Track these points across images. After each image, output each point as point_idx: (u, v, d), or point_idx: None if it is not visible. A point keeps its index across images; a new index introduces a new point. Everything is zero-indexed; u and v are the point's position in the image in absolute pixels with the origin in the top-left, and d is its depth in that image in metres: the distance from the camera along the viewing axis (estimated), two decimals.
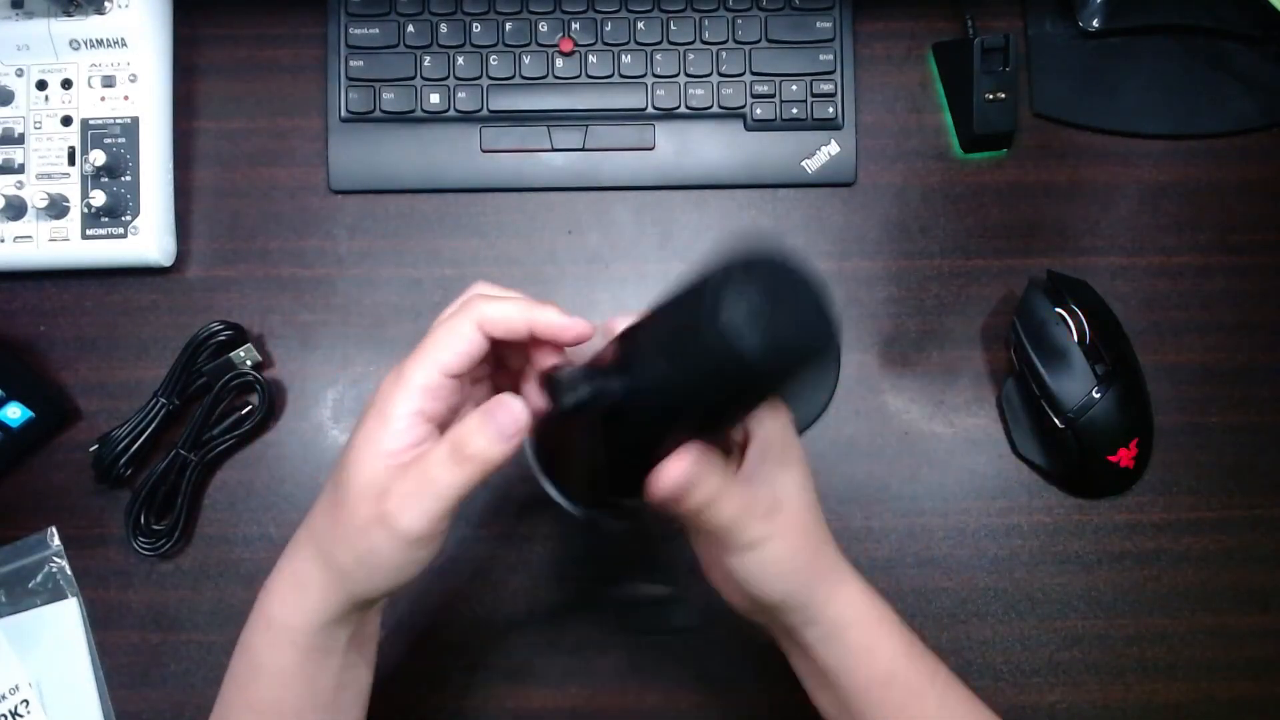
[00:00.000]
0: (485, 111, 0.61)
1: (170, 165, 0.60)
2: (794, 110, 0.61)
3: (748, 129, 0.61)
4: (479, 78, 0.61)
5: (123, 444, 0.57)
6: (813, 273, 0.33)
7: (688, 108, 0.61)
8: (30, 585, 0.57)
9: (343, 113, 0.61)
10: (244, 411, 0.58)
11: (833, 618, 0.40)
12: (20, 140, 0.58)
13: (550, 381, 0.37)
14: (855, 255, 0.61)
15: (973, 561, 0.59)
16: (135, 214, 0.58)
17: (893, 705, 0.40)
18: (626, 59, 0.61)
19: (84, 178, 0.58)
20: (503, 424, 0.36)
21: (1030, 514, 0.59)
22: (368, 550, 0.36)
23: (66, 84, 0.59)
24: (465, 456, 0.35)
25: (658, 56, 0.61)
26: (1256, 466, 0.59)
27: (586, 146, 0.61)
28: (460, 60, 0.61)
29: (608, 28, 0.61)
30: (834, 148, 0.61)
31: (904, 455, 0.59)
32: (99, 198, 0.57)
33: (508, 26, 0.61)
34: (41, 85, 0.59)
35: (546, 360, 0.39)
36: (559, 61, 0.61)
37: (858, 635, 0.40)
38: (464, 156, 0.61)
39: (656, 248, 0.61)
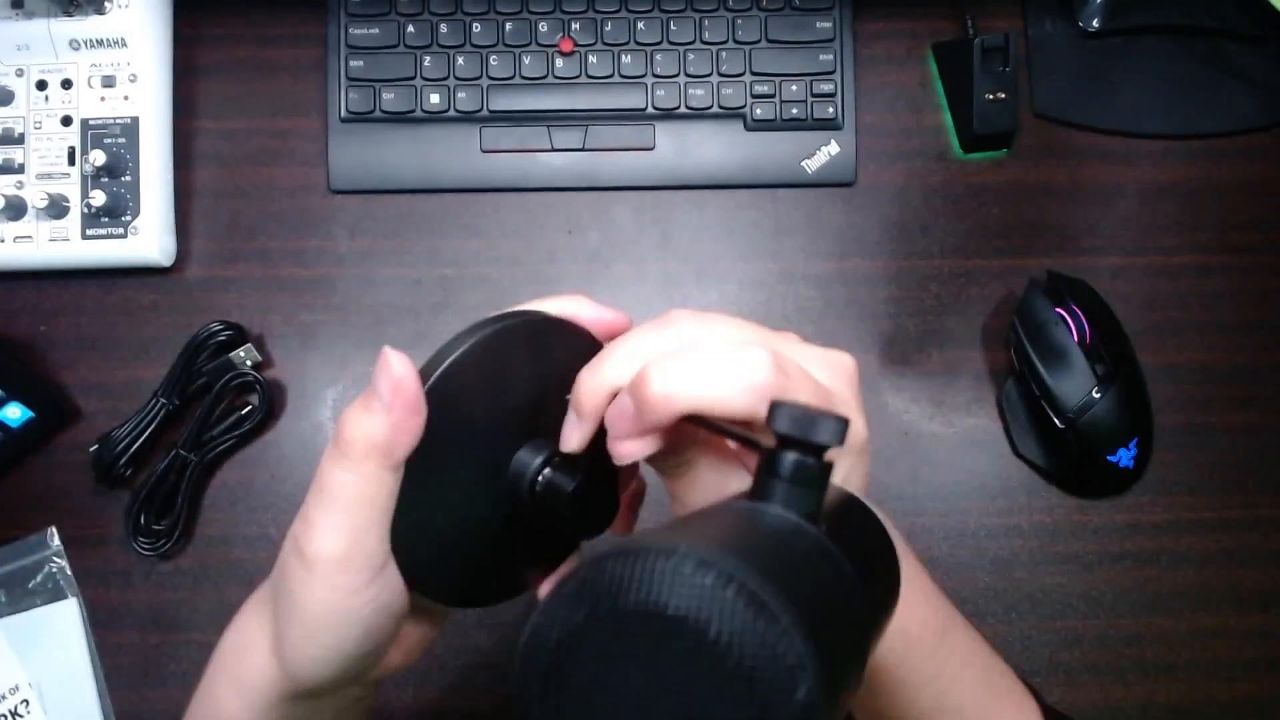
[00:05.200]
0: (485, 111, 0.61)
1: (170, 165, 0.60)
2: (794, 110, 0.61)
3: (748, 129, 0.61)
4: (479, 78, 0.61)
5: (123, 444, 0.57)
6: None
7: (688, 108, 0.61)
8: (30, 585, 0.57)
9: (343, 113, 0.61)
10: (244, 411, 0.58)
11: None
12: (20, 140, 0.58)
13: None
14: (855, 255, 0.61)
15: (973, 561, 0.58)
16: (135, 214, 0.58)
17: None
18: (626, 59, 0.61)
19: (84, 178, 0.58)
20: (378, 387, 0.27)
21: (1030, 514, 0.59)
22: (287, 592, 0.29)
23: (66, 84, 0.59)
24: (345, 446, 0.27)
25: (658, 56, 0.61)
26: (1256, 466, 0.59)
27: (586, 146, 0.61)
28: (460, 60, 0.61)
29: (608, 28, 0.61)
30: (834, 148, 0.61)
31: (904, 455, 0.59)
32: (99, 198, 0.57)
33: (508, 26, 0.61)
34: (41, 85, 0.59)
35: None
36: (559, 61, 0.61)
37: None
38: (464, 156, 0.61)
39: (656, 248, 0.61)
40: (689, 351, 0.27)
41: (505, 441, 0.31)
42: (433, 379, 0.28)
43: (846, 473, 0.29)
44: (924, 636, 0.36)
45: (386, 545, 0.28)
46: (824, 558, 0.22)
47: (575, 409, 0.30)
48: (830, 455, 0.24)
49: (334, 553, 0.28)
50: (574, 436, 0.30)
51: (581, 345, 0.32)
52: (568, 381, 0.31)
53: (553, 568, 0.35)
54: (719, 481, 0.30)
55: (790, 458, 0.23)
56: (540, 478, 0.31)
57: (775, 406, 0.23)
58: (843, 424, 0.23)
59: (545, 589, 0.34)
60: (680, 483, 0.30)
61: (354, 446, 0.27)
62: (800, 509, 0.23)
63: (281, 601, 0.30)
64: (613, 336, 0.32)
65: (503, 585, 0.34)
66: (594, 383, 0.29)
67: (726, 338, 0.29)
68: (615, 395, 0.29)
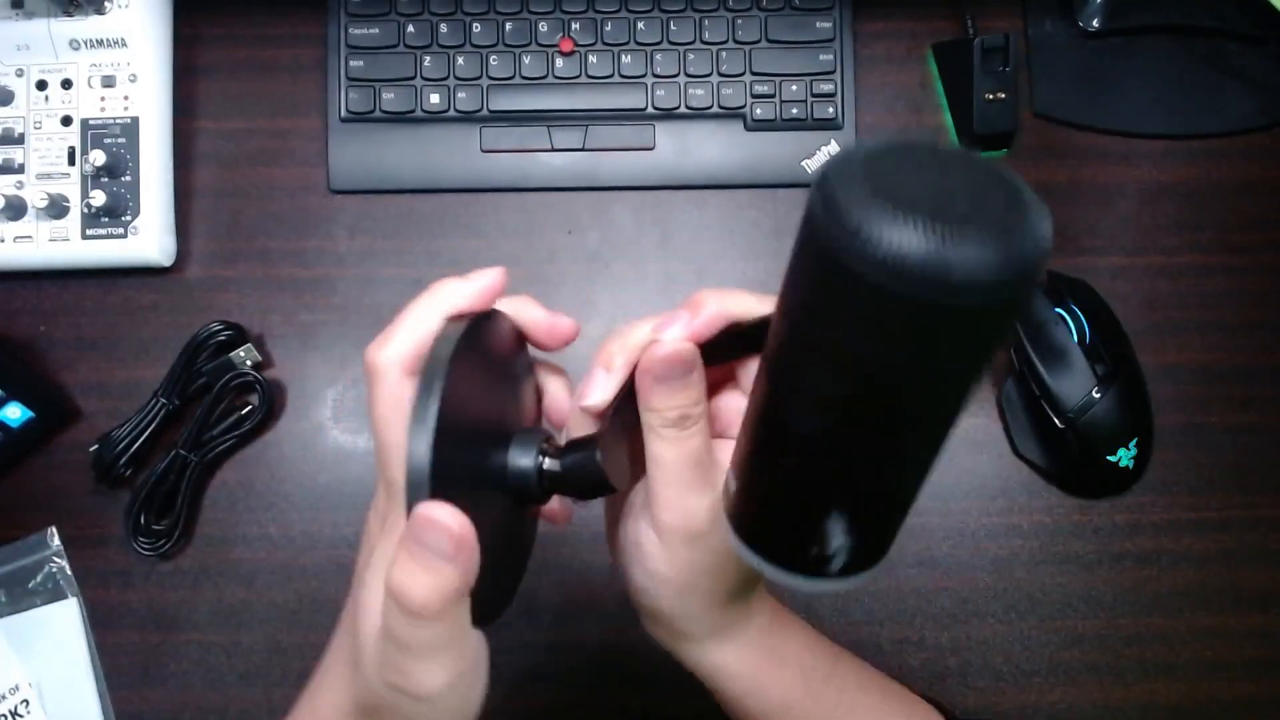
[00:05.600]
0: (485, 111, 0.61)
1: (170, 165, 0.60)
2: (794, 110, 0.61)
3: (748, 129, 0.61)
4: (479, 78, 0.61)
5: (123, 444, 0.57)
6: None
7: (688, 108, 0.61)
8: (30, 585, 0.57)
9: (343, 113, 0.61)
10: (244, 411, 0.58)
11: (713, 663, 0.37)
12: (20, 140, 0.58)
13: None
14: None
15: (973, 561, 0.58)
16: (135, 214, 0.58)
17: None
18: (626, 59, 0.61)
19: (84, 178, 0.58)
20: (434, 545, 0.26)
21: (1030, 514, 0.59)
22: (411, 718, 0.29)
23: (66, 84, 0.59)
24: (420, 608, 0.26)
25: (658, 56, 0.61)
26: (1256, 466, 0.59)
27: (586, 146, 0.61)
28: (460, 60, 0.61)
29: (608, 28, 0.61)
30: (834, 148, 0.61)
31: None
32: (99, 198, 0.57)
33: (508, 26, 0.61)
34: (41, 85, 0.59)
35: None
36: (559, 61, 0.61)
37: (744, 677, 0.37)
38: (464, 156, 0.61)
39: (656, 248, 0.61)
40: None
41: (492, 457, 0.32)
42: (430, 467, 0.27)
43: None
44: (817, 665, 0.39)
45: (478, 636, 0.29)
46: None
47: (605, 365, 0.31)
48: None
49: (445, 684, 0.28)
50: (601, 389, 0.31)
51: (487, 328, 0.33)
52: (504, 369, 0.33)
53: (538, 510, 0.36)
54: (709, 450, 0.32)
55: None
56: (545, 469, 0.32)
57: None
58: None
59: (555, 503, 0.36)
60: (674, 445, 0.31)
61: (431, 607, 0.26)
62: None
63: None
64: (497, 295, 0.33)
65: (526, 556, 0.35)
66: (625, 342, 0.31)
67: None
68: (642, 352, 0.31)
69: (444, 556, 0.26)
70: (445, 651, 0.28)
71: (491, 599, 0.31)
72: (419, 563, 0.26)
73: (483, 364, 0.32)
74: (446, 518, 0.26)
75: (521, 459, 0.32)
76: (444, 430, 0.28)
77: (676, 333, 0.30)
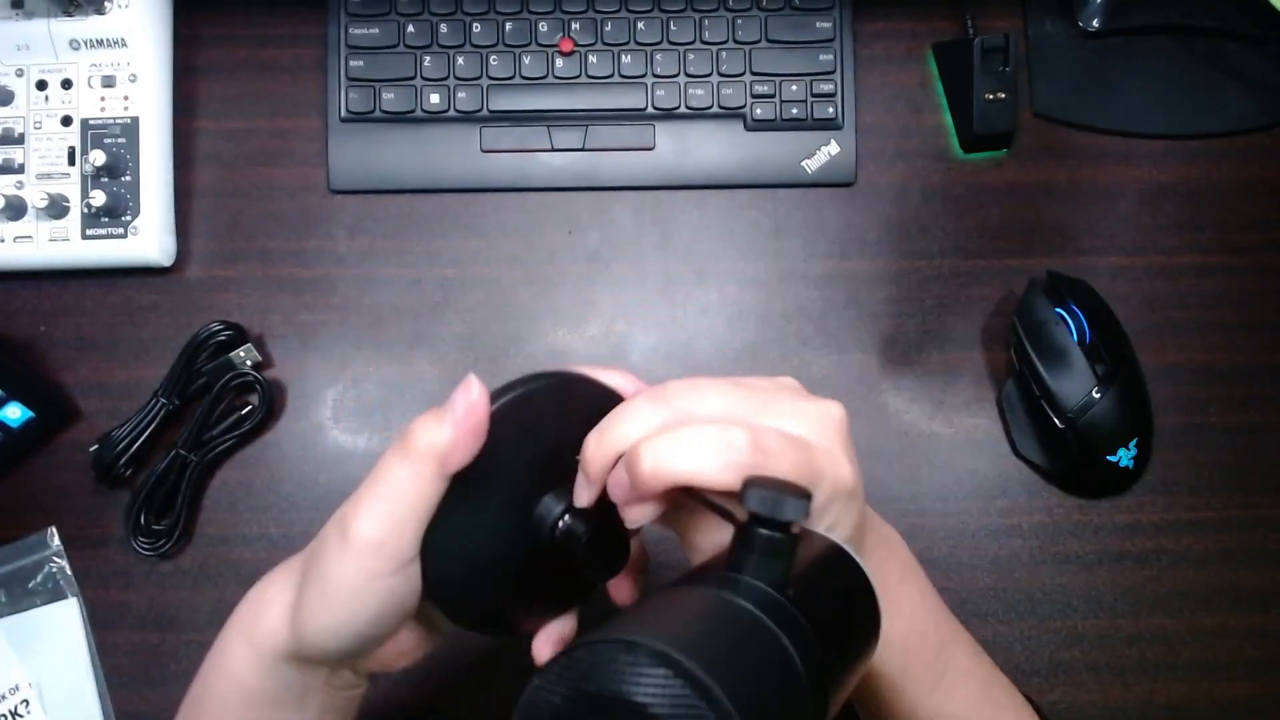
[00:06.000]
0: (485, 111, 0.61)
1: (170, 165, 0.60)
2: (794, 110, 0.61)
3: (748, 129, 0.61)
4: (479, 78, 0.61)
5: (123, 444, 0.57)
6: None
7: (688, 108, 0.61)
8: (30, 585, 0.57)
9: (343, 113, 0.61)
10: (244, 411, 0.58)
11: None
12: (20, 140, 0.58)
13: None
14: (855, 255, 0.61)
15: (973, 561, 0.58)
16: (135, 214, 0.58)
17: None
18: (626, 59, 0.61)
19: (84, 178, 0.58)
20: (454, 403, 0.31)
21: (1030, 514, 0.59)
22: (319, 562, 0.32)
23: (66, 84, 0.59)
24: (410, 447, 0.31)
25: (658, 56, 0.61)
26: (1256, 466, 0.59)
27: (586, 146, 0.61)
28: (460, 60, 0.61)
29: (608, 28, 0.61)
30: (834, 148, 0.61)
31: (904, 455, 0.59)
32: (99, 198, 0.57)
33: (508, 26, 0.61)
34: (41, 85, 0.59)
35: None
36: (559, 61, 0.61)
37: None
38: (464, 156, 0.61)
39: (656, 248, 0.61)
40: (677, 430, 0.30)
41: (536, 484, 0.33)
42: (493, 409, 0.31)
43: (836, 517, 0.31)
44: (923, 649, 0.39)
45: (417, 544, 0.31)
46: (784, 629, 0.25)
47: (584, 470, 0.32)
48: (820, 500, 0.29)
49: (372, 536, 0.31)
50: (583, 495, 0.32)
51: (596, 395, 0.34)
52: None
53: (550, 615, 0.36)
54: (719, 527, 0.32)
55: (760, 534, 0.26)
56: (560, 523, 0.33)
57: (746, 486, 0.26)
58: (806, 501, 0.26)
59: (540, 644, 0.36)
60: (683, 527, 0.33)
61: (417, 448, 0.30)
62: (769, 577, 0.26)
63: (310, 571, 0.32)
64: (626, 386, 0.35)
65: (503, 620, 0.35)
66: (598, 449, 0.31)
67: (715, 410, 0.31)
68: (617, 460, 0.31)
69: (452, 418, 0.30)
70: (394, 511, 0.31)
71: (448, 567, 0.32)
72: (435, 416, 0.31)
73: (575, 415, 0.33)
74: (476, 390, 0.31)
75: (550, 500, 0.33)
76: (524, 406, 0.32)
77: (623, 498, 0.31)
